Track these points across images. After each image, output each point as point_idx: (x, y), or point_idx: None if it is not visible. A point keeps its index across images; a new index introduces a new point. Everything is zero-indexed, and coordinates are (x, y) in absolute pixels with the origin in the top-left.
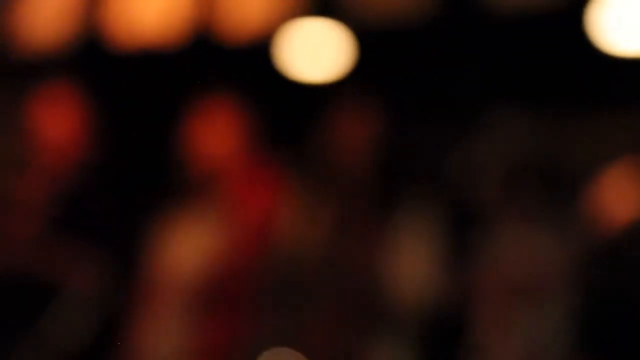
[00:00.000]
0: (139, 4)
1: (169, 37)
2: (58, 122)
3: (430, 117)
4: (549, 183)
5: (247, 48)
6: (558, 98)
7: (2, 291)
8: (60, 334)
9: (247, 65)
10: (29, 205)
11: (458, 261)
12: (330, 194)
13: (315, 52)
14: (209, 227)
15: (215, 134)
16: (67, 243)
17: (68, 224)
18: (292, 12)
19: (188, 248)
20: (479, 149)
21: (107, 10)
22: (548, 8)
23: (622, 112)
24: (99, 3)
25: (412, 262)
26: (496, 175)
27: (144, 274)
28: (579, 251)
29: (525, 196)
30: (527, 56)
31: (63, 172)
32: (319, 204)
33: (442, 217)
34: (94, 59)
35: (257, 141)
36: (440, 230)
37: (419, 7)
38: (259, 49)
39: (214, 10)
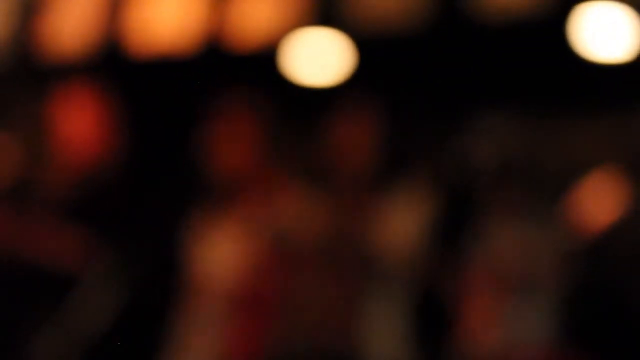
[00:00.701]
0: (156, 14)
1: (183, 45)
2: (80, 123)
3: (425, 119)
4: (536, 181)
5: (255, 55)
6: (545, 102)
7: (24, 281)
8: (81, 324)
9: (255, 70)
10: (52, 199)
11: (449, 251)
12: (331, 189)
13: (318, 58)
14: (232, 229)
15: (227, 135)
16: (87, 235)
17: (89, 218)
18: (297, 22)
19: (212, 249)
20: (472, 149)
21: (126, 19)
22: (534, 17)
23: (605, 116)
24: (119, 13)
25: (405, 244)
26: (487, 174)
27: (169, 272)
28: (565, 246)
29: (514, 193)
30: (516, 62)
31: (84, 170)
32: (321, 196)
33: (435, 214)
34: (114, 64)
35: (266, 140)
36: (434, 223)
37: (415, 17)
38: (266, 55)
39: (225, 21)
